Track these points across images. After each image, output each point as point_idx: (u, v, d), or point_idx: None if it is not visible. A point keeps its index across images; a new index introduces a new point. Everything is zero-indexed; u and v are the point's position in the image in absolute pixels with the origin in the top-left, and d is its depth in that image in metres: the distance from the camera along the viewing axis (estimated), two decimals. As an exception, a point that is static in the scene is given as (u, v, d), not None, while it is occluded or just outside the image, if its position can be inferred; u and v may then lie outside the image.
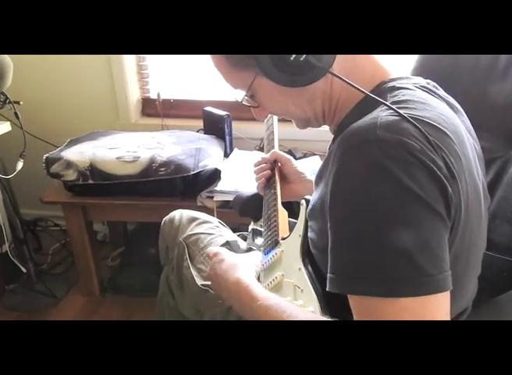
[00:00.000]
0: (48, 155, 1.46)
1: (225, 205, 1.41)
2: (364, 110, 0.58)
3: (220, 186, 1.43)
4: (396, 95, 0.57)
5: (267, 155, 0.99)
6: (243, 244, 0.95)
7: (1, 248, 1.69)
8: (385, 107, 0.54)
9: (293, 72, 0.57)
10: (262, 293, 0.63)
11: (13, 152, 1.48)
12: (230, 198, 1.38)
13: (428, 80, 0.64)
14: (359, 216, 0.51)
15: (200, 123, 1.77)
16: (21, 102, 1.43)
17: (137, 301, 1.66)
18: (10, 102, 1.35)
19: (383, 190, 0.49)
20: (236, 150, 1.71)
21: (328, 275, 0.54)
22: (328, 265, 0.54)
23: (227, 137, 1.68)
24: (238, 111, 1.76)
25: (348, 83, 0.58)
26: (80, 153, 1.46)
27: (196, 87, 1.89)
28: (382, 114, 0.53)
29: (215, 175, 1.46)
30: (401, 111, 0.52)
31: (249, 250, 0.83)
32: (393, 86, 0.60)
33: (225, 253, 0.74)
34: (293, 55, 0.56)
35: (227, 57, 0.62)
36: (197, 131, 1.76)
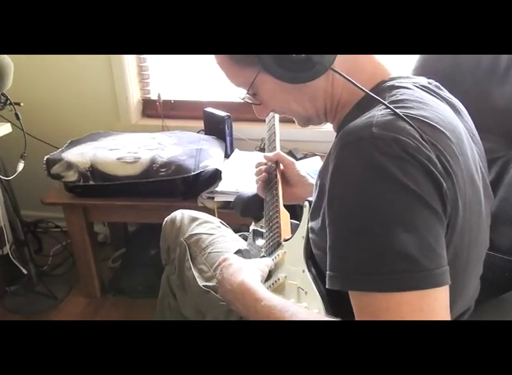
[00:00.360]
0: (48, 156, 1.46)
1: (225, 205, 1.41)
2: (364, 109, 0.58)
3: (221, 186, 1.43)
4: (395, 94, 0.58)
5: (270, 155, 0.99)
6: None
7: (2, 250, 1.68)
8: (383, 106, 0.55)
9: (294, 68, 0.58)
10: (266, 294, 0.64)
11: (14, 154, 1.48)
12: (231, 198, 1.38)
13: (431, 80, 0.65)
14: (355, 213, 0.51)
15: (200, 124, 1.77)
16: (21, 103, 1.43)
17: (138, 302, 1.66)
18: (11, 103, 1.34)
19: (378, 186, 0.50)
20: (236, 150, 1.71)
21: (328, 272, 0.55)
22: (328, 262, 0.55)
23: (228, 138, 1.68)
24: (238, 112, 1.76)
25: (349, 80, 0.58)
26: (80, 154, 1.46)
27: (196, 88, 1.89)
28: (378, 113, 0.54)
29: (215, 175, 1.46)
30: (398, 110, 0.53)
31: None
32: (392, 85, 0.61)
33: (233, 258, 0.75)
34: None
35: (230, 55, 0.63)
36: (198, 132, 1.75)
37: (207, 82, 1.85)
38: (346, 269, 0.52)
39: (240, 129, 1.75)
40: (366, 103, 0.59)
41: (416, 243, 0.49)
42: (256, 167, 1.01)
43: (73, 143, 1.59)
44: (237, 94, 0.69)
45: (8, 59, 1.25)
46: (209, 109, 1.71)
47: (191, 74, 1.85)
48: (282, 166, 0.98)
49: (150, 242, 1.78)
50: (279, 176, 0.95)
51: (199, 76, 1.85)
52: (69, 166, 1.41)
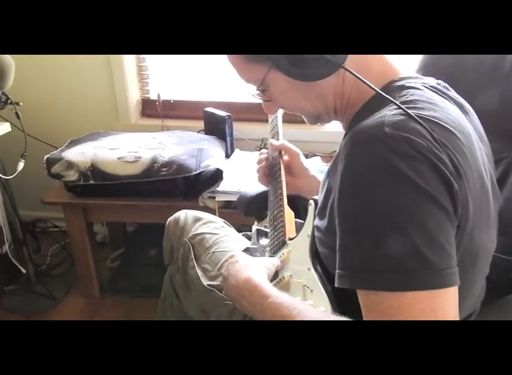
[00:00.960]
0: (48, 155, 1.45)
1: (227, 205, 1.41)
2: (374, 108, 0.59)
3: (222, 186, 1.43)
4: (405, 95, 0.58)
5: (276, 143, 1.00)
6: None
7: (2, 249, 1.67)
8: (394, 106, 0.55)
9: (306, 66, 0.59)
10: (273, 291, 0.63)
11: (12, 153, 1.47)
12: (232, 198, 1.38)
13: (439, 81, 0.65)
14: (366, 212, 0.52)
15: (199, 124, 1.77)
16: (21, 103, 1.42)
17: (138, 302, 1.65)
18: (11, 103, 1.34)
19: (389, 185, 0.50)
20: (237, 150, 1.71)
21: (337, 271, 0.55)
22: (337, 261, 0.55)
23: (228, 138, 1.68)
24: (238, 112, 1.76)
25: (361, 79, 0.59)
26: (81, 153, 1.46)
27: (195, 88, 1.88)
28: (389, 113, 0.54)
29: (216, 175, 1.46)
30: (409, 110, 0.53)
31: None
32: (402, 85, 0.61)
33: (239, 255, 0.74)
34: None
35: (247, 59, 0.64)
36: (198, 132, 1.75)
37: (206, 82, 1.84)
38: (356, 267, 0.52)
39: (239, 129, 1.75)
40: (376, 102, 0.59)
41: (427, 242, 0.49)
42: (259, 155, 1.02)
43: (73, 142, 1.58)
44: (247, 90, 0.70)
45: (9, 58, 1.24)
46: (209, 109, 1.71)
47: (190, 74, 1.85)
48: (286, 157, 0.99)
49: (149, 242, 1.78)
50: (282, 166, 0.95)
51: (198, 76, 1.84)
52: (70, 165, 1.41)
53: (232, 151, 1.70)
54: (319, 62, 0.58)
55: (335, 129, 1.65)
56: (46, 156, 1.44)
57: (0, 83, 1.22)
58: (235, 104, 1.82)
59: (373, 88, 0.59)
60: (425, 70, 0.93)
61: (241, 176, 1.48)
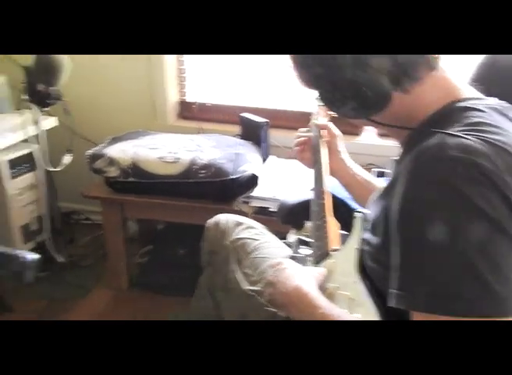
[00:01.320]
0: (91, 151, 1.50)
1: (260, 211, 1.43)
2: (435, 127, 0.58)
3: (256, 192, 1.45)
4: (468, 117, 0.58)
5: (320, 122, 1.04)
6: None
7: (42, 236, 1.71)
8: (458, 127, 0.56)
9: (347, 108, 0.62)
10: (324, 302, 0.65)
11: (55, 148, 1.52)
12: (266, 204, 1.40)
13: (502, 102, 0.64)
14: (429, 238, 0.51)
15: (234, 128, 1.79)
16: (65, 99, 1.47)
17: (163, 298, 1.68)
18: (61, 99, 1.39)
19: (455, 210, 0.50)
20: (272, 157, 1.71)
21: (394, 291, 0.55)
22: (394, 280, 0.55)
23: (263, 144, 1.69)
24: (274, 118, 1.78)
25: (391, 125, 0.63)
26: (122, 151, 1.50)
27: (231, 92, 1.90)
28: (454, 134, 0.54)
29: (252, 181, 1.48)
30: (474, 133, 0.54)
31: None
32: (465, 106, 0.61)
33: (287, 263, 0.76)
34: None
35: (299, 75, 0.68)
36: (234, 136, 1.78)
37: (242, 87, 1.86)
38: (417, 290, 0.52)
39: (274, 136, 1.76)
40: (436, 122, 0.59)
41: (492, 271, 0.49)
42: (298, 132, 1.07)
43: (114, 140, 1.63)
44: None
45: (65, 57, 1.29)
46: (246, 115, 1.73)
47: (227, 78, 1.87)
48: (326, 138, 1.03)
49: (178, 242, 1.81)
50: (321, 147, 0.99)
51: (234, 81, 1.86)
52: (112, 161, 1.45)
53: (267, 158, 1.72)
54: (357, 107, 0.62)
55: (371, 141, 1.65)
56: (89, 152, 1.49)
57: (55, 80, 1.27)
58: (271, 110, 1.83)
59: (407, 128, 0.63)
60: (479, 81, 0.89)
61: (276, 182, 1.51)
